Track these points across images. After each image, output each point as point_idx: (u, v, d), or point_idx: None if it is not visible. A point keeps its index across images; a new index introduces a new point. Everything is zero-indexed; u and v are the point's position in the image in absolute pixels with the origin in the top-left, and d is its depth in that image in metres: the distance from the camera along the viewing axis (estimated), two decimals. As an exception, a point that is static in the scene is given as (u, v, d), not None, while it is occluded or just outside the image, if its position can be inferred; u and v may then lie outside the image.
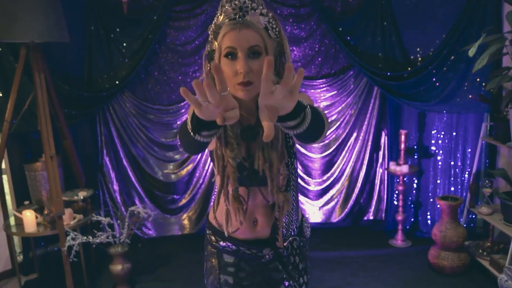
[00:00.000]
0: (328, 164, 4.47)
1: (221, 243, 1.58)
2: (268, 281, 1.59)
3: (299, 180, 4.44)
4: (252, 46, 1.27)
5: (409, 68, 4.00)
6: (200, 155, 4.27)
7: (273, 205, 1.49)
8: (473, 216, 4.08)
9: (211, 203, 1.66)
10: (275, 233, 1.53)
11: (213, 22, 1.35)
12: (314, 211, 4.53)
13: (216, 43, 1.32)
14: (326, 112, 4.35)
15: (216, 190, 1.48)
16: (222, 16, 1.31)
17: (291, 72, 0.98)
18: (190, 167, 4.32)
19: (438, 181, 4.23)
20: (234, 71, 1.27)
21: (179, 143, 1.31)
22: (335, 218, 4.54)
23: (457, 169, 4.17)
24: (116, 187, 4.23)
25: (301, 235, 1.64)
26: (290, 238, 1.58)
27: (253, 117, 1.37)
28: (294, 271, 1.60)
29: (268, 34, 1.31)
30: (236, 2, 1.28)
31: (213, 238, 1.61)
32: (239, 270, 1.58)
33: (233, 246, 1.56)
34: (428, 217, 4.29)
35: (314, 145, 1.11)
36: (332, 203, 4.52)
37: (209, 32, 1.37)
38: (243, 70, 1.24)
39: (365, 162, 4.44)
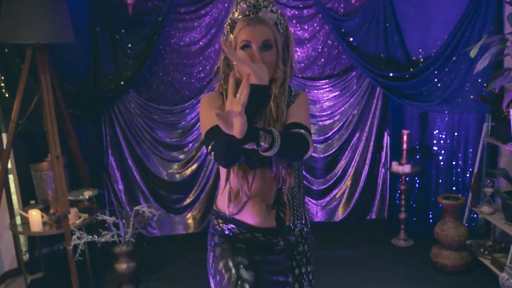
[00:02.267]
0: (331, 164, 4.50)
1: (234, 229, 1.63)
2: (279, 269, 1.66)
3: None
4: (265, 40, 1.47)
5: (411, 69, 4.03)
6: (204, 154, 4.32)
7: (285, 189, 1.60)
8: (475, 216, 4.11)
9: (218, 191, 1.73)
10: (278, 202, 1.60)
11: (229, 17, 1.54)
12: (317, 210, 4.55)
13: (232, 36, 1.51)
14: (328, 112, 4.39)
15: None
16: (237, 12, 1.50)
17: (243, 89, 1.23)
18: (194, 166, 4.33)
19: (440, 181, 4.27)
20: None
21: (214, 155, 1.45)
22: (338, 217, 4.57)
23: (458, 169, 4.20)
24: (121, 186, 4.26)
25: (307, 226, 1.76)
26: (300, 226, 1.67)
27: None
28: (302, 259, 1.68)
29: (277, 29, 1.51)
30: (251, 1, 1.48)
31: (223, 226, 1.66)
32: (253, 254, 1.63)
33: (248, 234, 1.63)
34: (430, 216, 4.32)
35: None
36: (335, 202, 4.55)
37: (225, 26, 1.56)
38: (258, 61, 1.42)
39: (368, 162, 4.46)
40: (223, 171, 1.63)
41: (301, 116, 1.56)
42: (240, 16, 1.49)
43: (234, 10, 1.52)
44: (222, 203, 1.66)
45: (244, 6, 1.48)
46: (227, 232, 1.66)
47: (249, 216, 1.62)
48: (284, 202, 1.59)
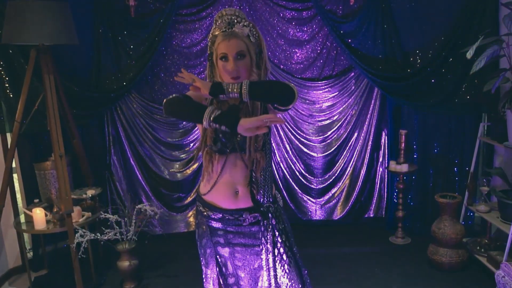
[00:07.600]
0: (330, 163, 4.55)
1: (209, 212, 1.95)
2: (251, 243, 1.97)
3: (301, 179, 4.55)
4: (238, 51, 1.78)
5: (408, 70, 4.08)
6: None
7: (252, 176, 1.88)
8: (471, 214, 4.15)
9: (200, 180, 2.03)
10: (254, 199, 1.91)
11: (211, 33, 1.85)
12: (316, 208, 4.61)
13: (213, 48, 1.82)
14: (327, 112, 4.44)
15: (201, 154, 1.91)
16: (216, 29, 1.82)
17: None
18: (195, 166, 4.38)
19: (437, 180, 4.29)
20: (227, 70, 1.79)
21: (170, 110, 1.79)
22: (337, 216, 4.62)
23: (455, 168, 4.24)
24: (123, 185, 4.30)
25: (276, 202, 2.03)
26: (267, 204, 1.95)
27: (237, 99, 1.80)
28: (270, 230, 1.95)
29: (250, 39, 1.81)
30: (225, 18, 1.80)
31: (201, 209, 1.99)
32: (226, 232, 1.96)
33: (219, 214, 1.93)
34: (427, 214, 4.35)
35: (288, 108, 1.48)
36: (334, 201, 4.61)
37: (208, 40, 1.87)
38: (232, 70, 1.77)
39: (366, 161, 4.52)
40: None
41: None
42: (218, 32, 1.81)
43: (214, 27, 1.83)
44: (201, 185, 1.98)
45: (221, 24, 1.80)
46: (205, 213, 1.97)
47: (219, 198, 1.92)
48: (257, 181, 1.88)
